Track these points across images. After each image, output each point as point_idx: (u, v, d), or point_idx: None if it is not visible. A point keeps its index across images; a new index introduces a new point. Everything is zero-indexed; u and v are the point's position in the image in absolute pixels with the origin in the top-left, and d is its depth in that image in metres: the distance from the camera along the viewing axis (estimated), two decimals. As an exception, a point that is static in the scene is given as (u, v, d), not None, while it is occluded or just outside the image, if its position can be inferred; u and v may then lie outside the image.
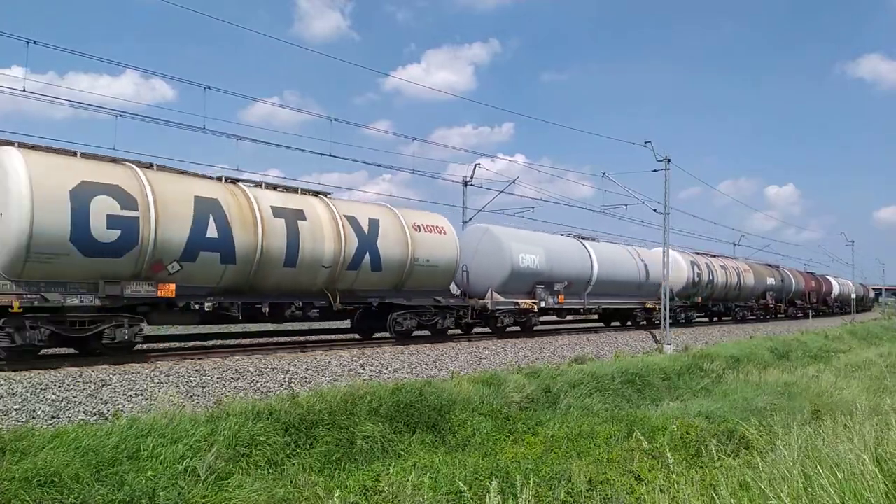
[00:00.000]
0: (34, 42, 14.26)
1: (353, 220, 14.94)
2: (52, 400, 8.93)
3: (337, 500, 6.05)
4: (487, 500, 5.32)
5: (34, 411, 8.50)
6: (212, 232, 12.08)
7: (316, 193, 15.27)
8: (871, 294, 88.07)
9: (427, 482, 6.90)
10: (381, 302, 15.98)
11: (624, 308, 26.04)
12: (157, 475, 6.48)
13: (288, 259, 13.39)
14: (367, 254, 15.04)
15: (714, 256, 35.48)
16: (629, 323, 26.73)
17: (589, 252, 23.74)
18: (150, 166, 12.27)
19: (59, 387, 9.39)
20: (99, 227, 10.64)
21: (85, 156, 11.59)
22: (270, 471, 7.31)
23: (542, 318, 23.35)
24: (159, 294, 11.59)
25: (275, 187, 14.59)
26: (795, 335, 30.18)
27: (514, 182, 30.38)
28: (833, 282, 57.10)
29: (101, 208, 10.68)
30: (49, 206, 10.16)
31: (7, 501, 5.60)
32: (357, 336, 18.29)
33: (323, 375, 12.38)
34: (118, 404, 9.17)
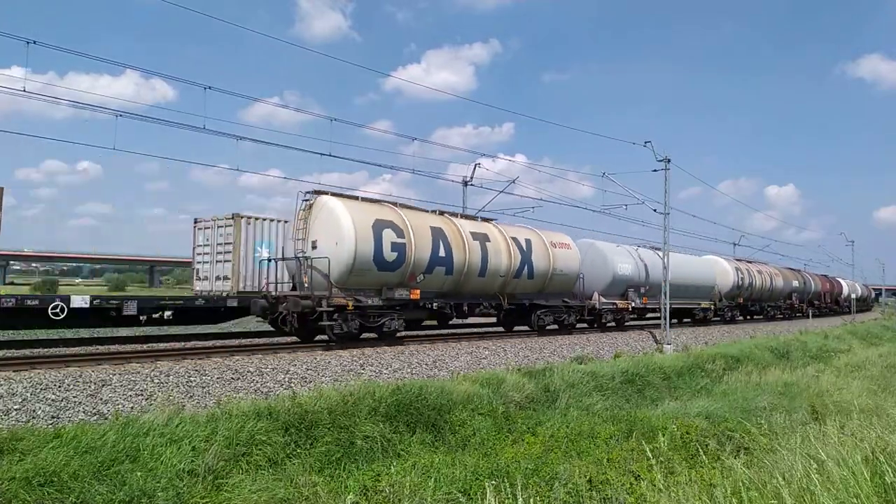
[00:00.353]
0: (34, 42, 14.27)
1: (516, 241, 19.81)
2: (52, 400, 8.93)
3: (337, 501, 6.06)
4: (485, 501, 5.32)
5: (34, 411, 8.50)
6: (441, 252, 16.97)
7: (488, 220, 20.60)
8: (872, 294, 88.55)
9: (430, 483, 6.90)
10: (531, 302, 20.97)
11: (686, 307, 31.13)
12: (157, 475, 6.48)
13: (481, 271, 18.29)
14: (526, 266, 19.94)
15: (750, 262, 40.22)
16: (687, 320, 32.06)
17: (599, 252, 27.70)
18: (395, 204, 16.96)
19: (59, 387, 9.40)
20: (386, 251, 15.43)
21: (363, 199, 16.44)
22: (270, 471, 7.31)
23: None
24: (411, 297, 16.49)
25: (462, 216, 19.64)
26: (795, 335, 30.17)
27: (514, 182, 30.35)
28: (843, 283, 62.56)
29: (388, 238, 15.49)
30: (363, 238, 14.95)
31: (7, 501, 5.61)
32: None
33: (323, 375, 12.38)
34: (118, 404, 9.18)
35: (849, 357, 23.42)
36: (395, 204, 16.97)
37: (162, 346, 14.90)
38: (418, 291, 16.71)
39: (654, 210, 25.17)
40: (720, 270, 34.71)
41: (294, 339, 16.57)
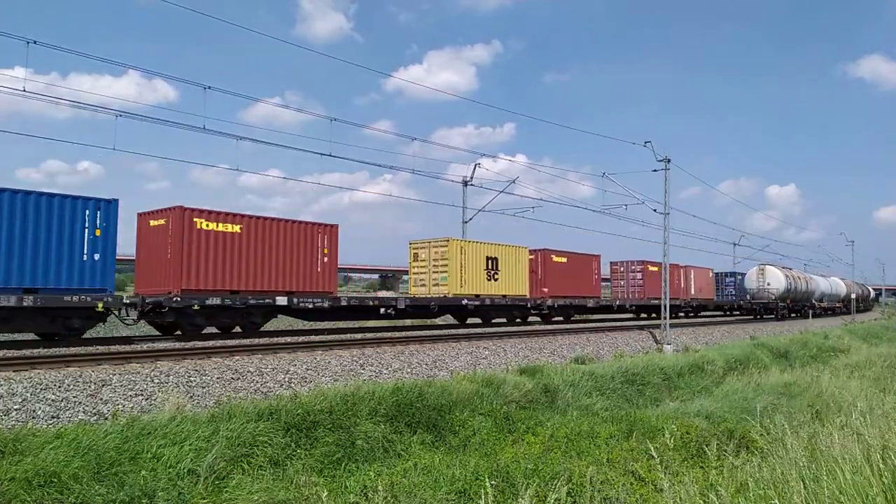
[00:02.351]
0: (34, 42, 14.27)
1: (806, 279, 50.95)
2: (52, 400, 8.92)
3: (337, 501, 6.05)
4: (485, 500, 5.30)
5: (34, 411, 8.49)
6: (793, 286, 46.52)
7: (789, 269, 49.39)
8: (872, 294, 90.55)
9: (430, 483, 6.89)
10: (805, 304, 49.81)
11: (832, 307, 58.19)
12: (157, 476, 6.47)
13: (800, 291, 48.22)
14: (807, 288, 49.83)
15: (844, 279, 65.78)
16: (812, 314, 54.34)
17: (818, 280, 54.63)
18: (782, 266, 48.11)
19: (59, 387, 9.39)
20: (788, 285, 45.60)
21: (779, 266, 47.25)
22: (271, 471, 7.30)
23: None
24: (789, 303, 47.10)
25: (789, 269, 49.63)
26: (795, 335, 30.17)
27: (513, 182, 30.48)
28: (870, 288, 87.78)
29: (787, 281, 45.30)
30: (784, 281, 45.01)
31: (7, 501, 5.60)
32: (356, 336, 18.34)
33: (323, 375, 12.38)
34: (118, 404, 9.17)
35: (849, 357, 23.40)
36: (785, 267, 47.22)
37: (162, 346, 14.88)
38: (790, 299, 44.56)
39: (654, 210, 25.34)
40: (843, 285, 63.00)
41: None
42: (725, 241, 64.65)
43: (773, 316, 43.94)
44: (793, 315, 46.77)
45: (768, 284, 44.49)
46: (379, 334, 19.78)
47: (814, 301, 51.12)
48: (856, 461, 5.13)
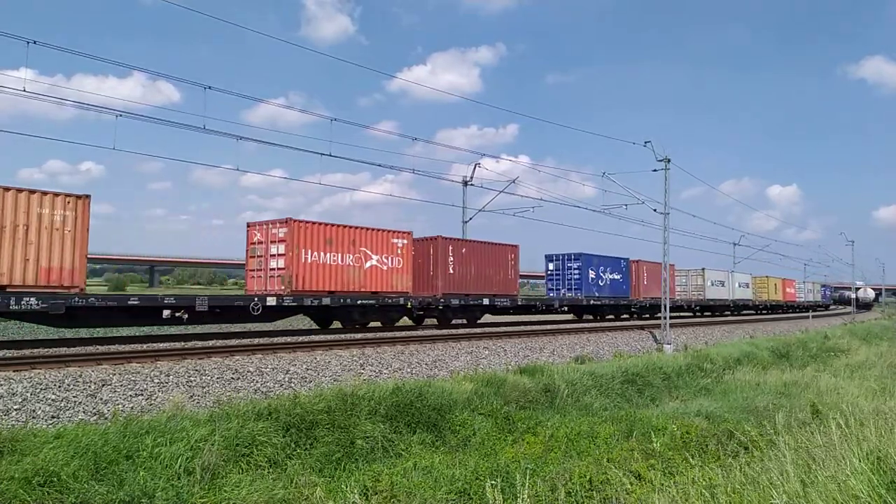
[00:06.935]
0: (34, 42, 14.27)
1: (873, 289, 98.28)
2: (52, 400, 8.93)
3: (337, 501, 6.05)
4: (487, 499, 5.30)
5: (34, 411, 8.50)
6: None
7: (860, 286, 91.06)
8: (873, 294, 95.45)
9: (427, 482, 6.90)
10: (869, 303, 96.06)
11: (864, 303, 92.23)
12: (156, 475, 6.47)
13: (873, 297, 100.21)
14: (872, 293, 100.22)
15: (867, 286, 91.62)
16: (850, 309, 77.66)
17: (858, 289, 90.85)
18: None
19: (59, 387, 9.40)
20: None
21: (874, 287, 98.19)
22: (270, 471, 7.31)
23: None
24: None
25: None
26: (795, 335, 30.16)
27: (514, 182, 30.48)
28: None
29: (867, 292, 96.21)
30: (874, 293, 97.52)
31: (7, 501, 5.60)
32: (356, 336, 18.36)
33: (323, 375, 12.38)
34: (118, 404, 9.17)
35: (849, 357, 23.40)
36: (870, 284, 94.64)
37: (162, 346, 14.88)
38: (871, 301, 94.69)
39: (654, 210, 25.33)
40: (870, 292, 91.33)
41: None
42: (726, 240, 64.80)
43: (865, 310, 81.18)
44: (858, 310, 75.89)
45: (868, 295, 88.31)
46: (379, 334, 19.76)
47: (872, 302, 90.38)
48: (854, 462, 5.13)
